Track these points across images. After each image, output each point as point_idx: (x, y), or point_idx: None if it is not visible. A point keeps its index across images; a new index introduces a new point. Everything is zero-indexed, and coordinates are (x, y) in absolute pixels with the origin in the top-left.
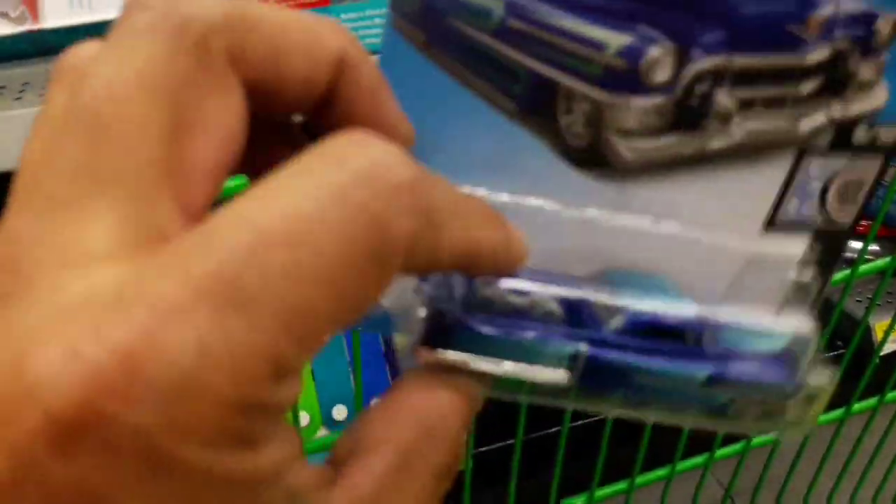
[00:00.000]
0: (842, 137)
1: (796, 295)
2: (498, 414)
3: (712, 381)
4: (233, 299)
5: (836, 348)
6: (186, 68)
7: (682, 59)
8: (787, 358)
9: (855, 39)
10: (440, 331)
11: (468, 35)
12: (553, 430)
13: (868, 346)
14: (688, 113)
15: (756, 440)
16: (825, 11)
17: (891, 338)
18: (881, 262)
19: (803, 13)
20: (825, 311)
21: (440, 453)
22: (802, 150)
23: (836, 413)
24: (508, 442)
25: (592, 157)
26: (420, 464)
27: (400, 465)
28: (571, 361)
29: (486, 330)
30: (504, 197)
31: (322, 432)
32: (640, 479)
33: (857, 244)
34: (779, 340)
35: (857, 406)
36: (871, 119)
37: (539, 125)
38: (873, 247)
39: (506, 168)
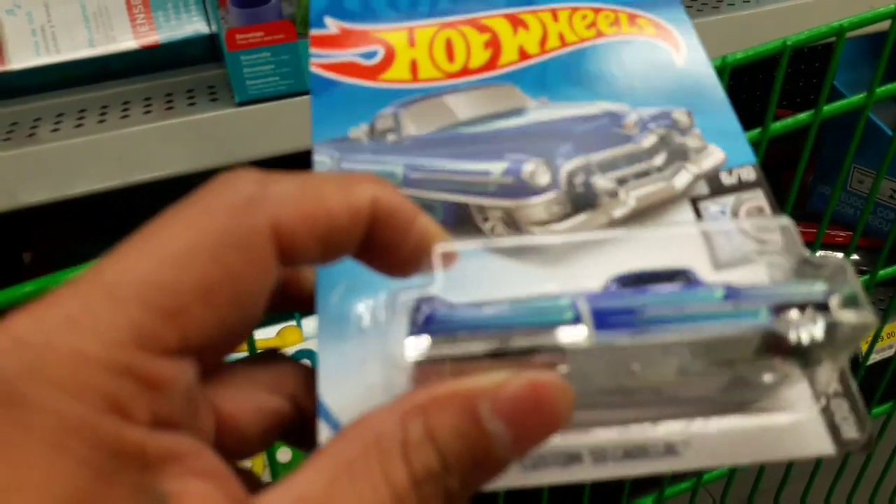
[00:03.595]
0: (715, 184)
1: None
2: None
3: (730, 295)
4: (99, 286)
5: None
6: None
7: (552, 166)
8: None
9: (665, 127)
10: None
11: None
12: None
13: (853, 357)
14: (581, 197)
15: None
16: (631, 118)
17: (875, 348)
18: (861, 280)
19: (617, 122)
20: None
21: (394, 464)
22: (693, 199)
23: None
24: None
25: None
26: (366, 475)
27: (334, 478)
28: (573, 311)
29: (486, 310)
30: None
31: None
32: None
33: (838, 255)
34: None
35: None
36: (723, 168)
37: (466, 235)
38: (854, 257)
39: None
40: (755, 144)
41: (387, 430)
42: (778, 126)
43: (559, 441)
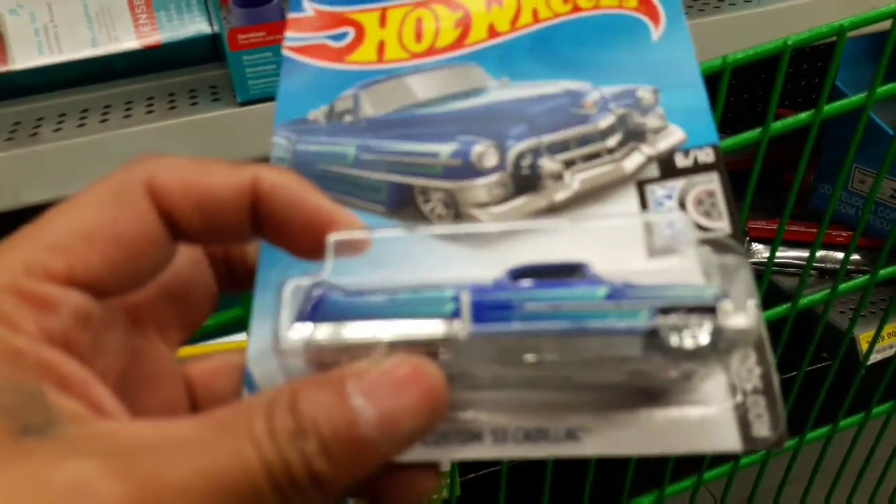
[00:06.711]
0: (668, 166)
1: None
2: None
3: (614, 295)
4: (3, 244)
5: (822, 360)
6: (106, 202)
7: (501, 148)
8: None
9: (627, 106)
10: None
11: (334, 171)
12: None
13: (853, 357)
14: (524, 180)
15: (744, 460)
16: (592, 97)
17: (876, 348)
18: (862, 280)
19: (577, 101)
20: (809, 323)
21: (256, 422)
22: (640, 182)
23: (824, 430)
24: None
25: None
26: (231, 426)
27: (201, 426)
28: (455, 303)
29: (373, 299)
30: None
31: None
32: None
33: (838, 255)
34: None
35: (843, 423)
36: (681, 149)
37: (407, 216)
38: (855, 257)
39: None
40: (756, 144)
41: (258, 400)
42: (778, 125)
43: (460, 419)
